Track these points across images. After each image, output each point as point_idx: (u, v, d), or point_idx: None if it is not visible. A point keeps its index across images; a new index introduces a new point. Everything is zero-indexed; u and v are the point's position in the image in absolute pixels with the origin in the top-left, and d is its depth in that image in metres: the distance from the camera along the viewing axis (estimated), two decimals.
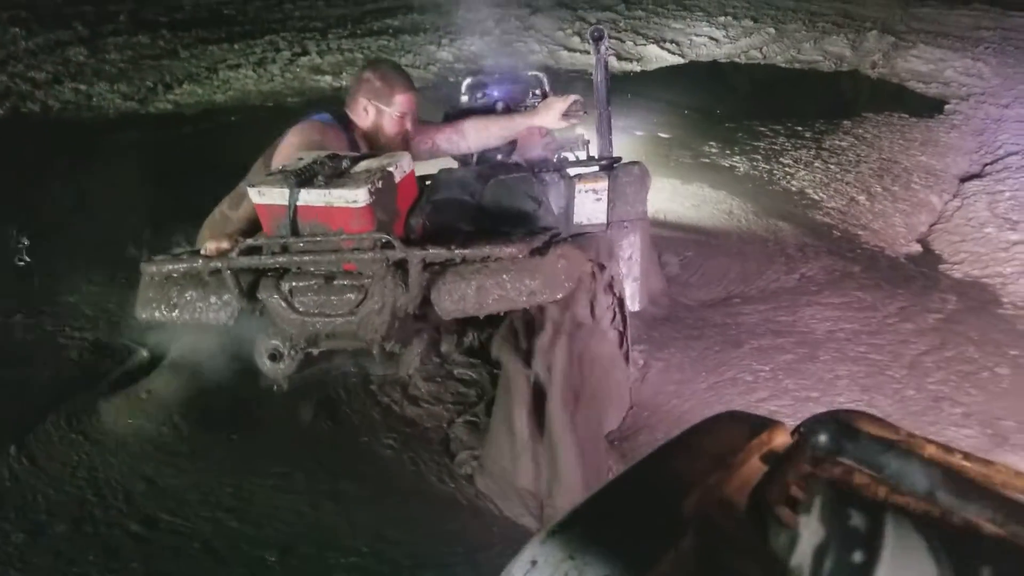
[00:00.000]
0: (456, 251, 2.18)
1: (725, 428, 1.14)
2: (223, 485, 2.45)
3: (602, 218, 3.69)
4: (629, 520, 0.90)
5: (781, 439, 1.11)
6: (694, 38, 9.89)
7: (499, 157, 3.44)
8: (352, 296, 2.26)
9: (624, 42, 9.66)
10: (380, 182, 2.21)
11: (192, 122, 7.24)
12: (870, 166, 5.94)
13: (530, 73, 3.86)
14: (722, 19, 10.33)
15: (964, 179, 5.74)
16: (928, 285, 4.27)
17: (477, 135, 3.32)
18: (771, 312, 3.98)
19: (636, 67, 9.18)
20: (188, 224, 3.18)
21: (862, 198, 5.45)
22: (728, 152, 6.31)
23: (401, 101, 2.95)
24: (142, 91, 7.88)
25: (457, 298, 2.26)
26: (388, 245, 2.17)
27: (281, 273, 2.29)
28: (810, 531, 0.80)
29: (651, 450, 1.06)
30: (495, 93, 3.68)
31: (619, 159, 3.84)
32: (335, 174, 2.22)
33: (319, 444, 2.61)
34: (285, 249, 2.23)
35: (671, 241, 4.73)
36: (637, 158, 4.05)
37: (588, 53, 8.23)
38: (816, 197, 5.50)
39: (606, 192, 3.67)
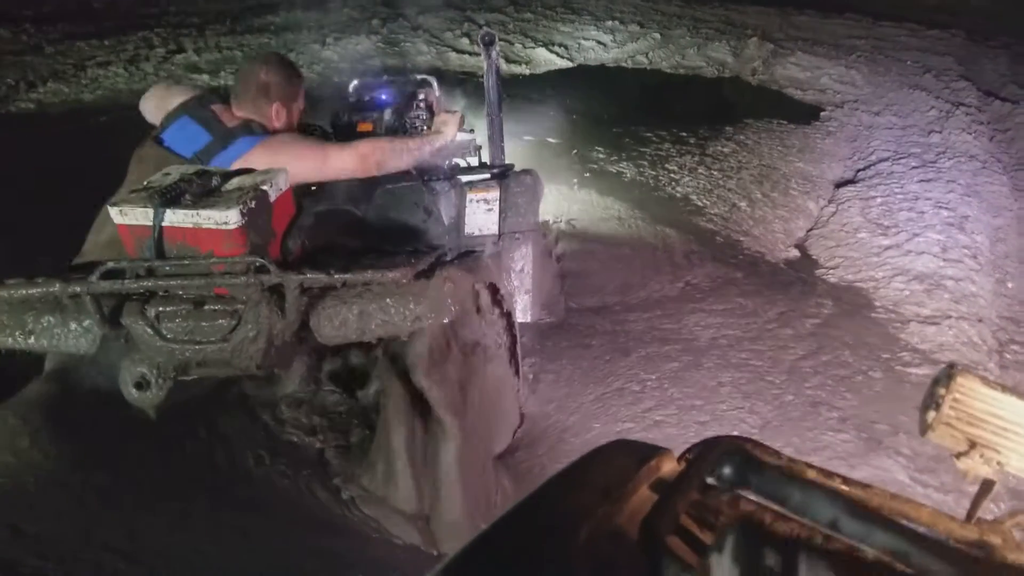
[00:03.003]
0: (336, 276, 2.08)
1: (613, 458, 1.13)
2: (109, 525, 2.17)
3: (494, 229, 3.65)
4: (518, 559, 0.87)
5: (669, 466, 1.11)
6: (582, 42, 9.97)
7: None
8: (224, 322, 2.13)
9: (513, 44, 9.65)
10: (253, 201, 2.09)
11: (57, 123, 6.81)
12: (751, 172, 6.09)
13: (419, 76, 3.77)
14: (610, 23, 10.45)
15: (839, 185, 5.97)
16: (806, 290, 4.40)
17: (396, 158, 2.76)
18: (658, 320, 4.02)
19: (525, 70, 9.19)
20: (52, 244, 2.78)
21: (743, 204, 5.58)
22: (615, 158, 6.36)
23: (302, 92, 2.80)
24: (2, 89, 7.38)
25: (338, 324, 2.17)
26: (262, 269, 2.05)
27: (147, 298, 2.15)
28: (723, 570, 0.80)
29: (537, 482, 1.02)
30: (383, 96, 3.57)
31: (511, 166, 3.80)
32: (204, 192, 2.10)
33: (216, 475, 2.43)
34: (150, 272, 2.09)
35: (560, 251, 4.73)
36: (527, 164, 4.02)
37: (477, 55, 8.18)
38: (700, 203, 5.60)
39: (497, 202, 3.64)
